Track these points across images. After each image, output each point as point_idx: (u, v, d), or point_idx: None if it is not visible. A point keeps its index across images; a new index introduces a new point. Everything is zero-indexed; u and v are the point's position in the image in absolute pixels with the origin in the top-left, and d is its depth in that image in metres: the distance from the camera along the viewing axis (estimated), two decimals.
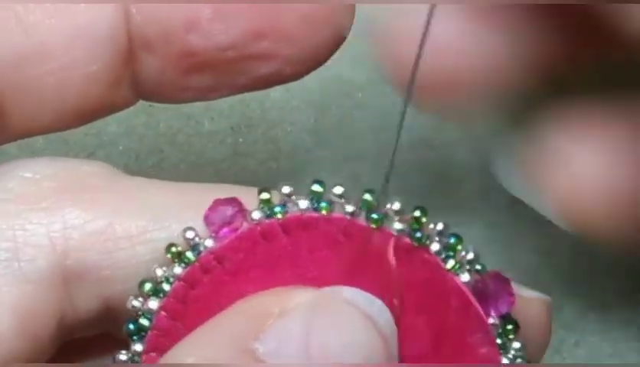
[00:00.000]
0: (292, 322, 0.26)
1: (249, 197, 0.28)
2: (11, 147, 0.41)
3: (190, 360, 0.26)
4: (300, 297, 0.27)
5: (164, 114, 0.41)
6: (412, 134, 0.41)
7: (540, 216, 0.41)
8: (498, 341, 0.27)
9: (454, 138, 0.41)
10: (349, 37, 0.42)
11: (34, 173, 0.29)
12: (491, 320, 0.27)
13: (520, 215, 0.40)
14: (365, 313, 0.26)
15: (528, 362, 0.28)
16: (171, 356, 0.26)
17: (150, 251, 0.28)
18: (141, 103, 0.42)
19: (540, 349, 0.30)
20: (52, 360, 0.29)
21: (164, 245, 0.28)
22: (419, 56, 0.27)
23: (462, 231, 0.40)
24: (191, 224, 0.28)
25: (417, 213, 0.28)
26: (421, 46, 0.26)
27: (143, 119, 0.41)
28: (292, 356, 0.25)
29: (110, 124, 0.41)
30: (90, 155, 0.41)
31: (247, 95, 0.42)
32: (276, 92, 0.41)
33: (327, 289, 0.27)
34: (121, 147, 0.41)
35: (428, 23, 0.26)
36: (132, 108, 0.41)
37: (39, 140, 0.41)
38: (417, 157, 0.41)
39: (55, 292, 0.28)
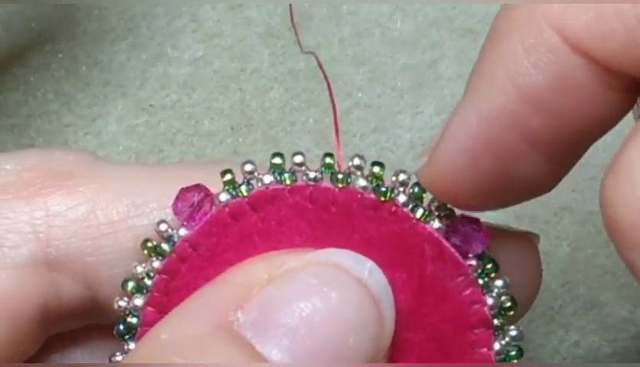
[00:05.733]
0: (276, 290, 0.26)
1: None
2: (11, 146, 0.41)
3: (163, 337, 0.25)
4: (290, 262, 0.26)
5: (164, 114, 0.41)
6: (412, 134, 0.41)
7: (540, 216, 0.41)
8: (480, 282, 0.27)
9: None
10: (349, 37, 0.42)
11: (15, 165, 0.29)
12: (469, 262, 0.27)
13: (521, 216, 0.40)
14: (355, 277, 0.26)
15: (513, 299, 0.27)
16: (147, 336, 0.26)
17: (132, 238, 0.28)
18: (141, 103, 0.42)
19: (530, 290, 0.29)
20: (36, 357, 0.29)
21: (145, 232, 0.28)
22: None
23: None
24: (166, 212, 0.28)
25: (376, 169, 0.28)
26: None
27: (143, 119, 0.41)
28: (271, 326, 0.25)
29: (110, 124, 0.41)
30: None
31: (247, 95, 0.42)
32: (276, 92, 0.41)
33: (316, 253, 0.27)
34: (121, 147, 0.41)
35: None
36: (131, 108, 0.41)
37: (39, 139, 0.41)
38: (417, 157, 0.41)
39: (38, 277, 0.28)
